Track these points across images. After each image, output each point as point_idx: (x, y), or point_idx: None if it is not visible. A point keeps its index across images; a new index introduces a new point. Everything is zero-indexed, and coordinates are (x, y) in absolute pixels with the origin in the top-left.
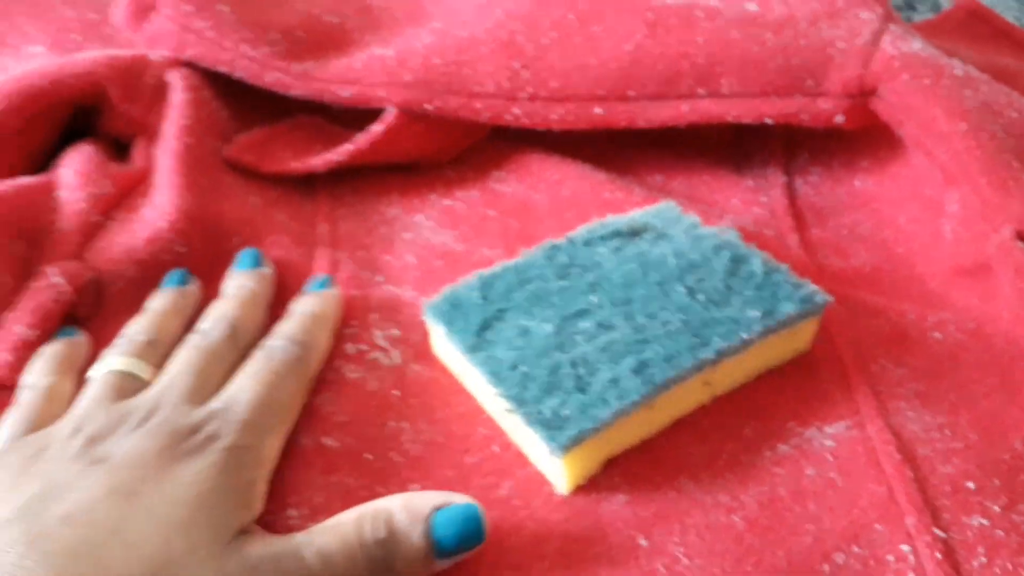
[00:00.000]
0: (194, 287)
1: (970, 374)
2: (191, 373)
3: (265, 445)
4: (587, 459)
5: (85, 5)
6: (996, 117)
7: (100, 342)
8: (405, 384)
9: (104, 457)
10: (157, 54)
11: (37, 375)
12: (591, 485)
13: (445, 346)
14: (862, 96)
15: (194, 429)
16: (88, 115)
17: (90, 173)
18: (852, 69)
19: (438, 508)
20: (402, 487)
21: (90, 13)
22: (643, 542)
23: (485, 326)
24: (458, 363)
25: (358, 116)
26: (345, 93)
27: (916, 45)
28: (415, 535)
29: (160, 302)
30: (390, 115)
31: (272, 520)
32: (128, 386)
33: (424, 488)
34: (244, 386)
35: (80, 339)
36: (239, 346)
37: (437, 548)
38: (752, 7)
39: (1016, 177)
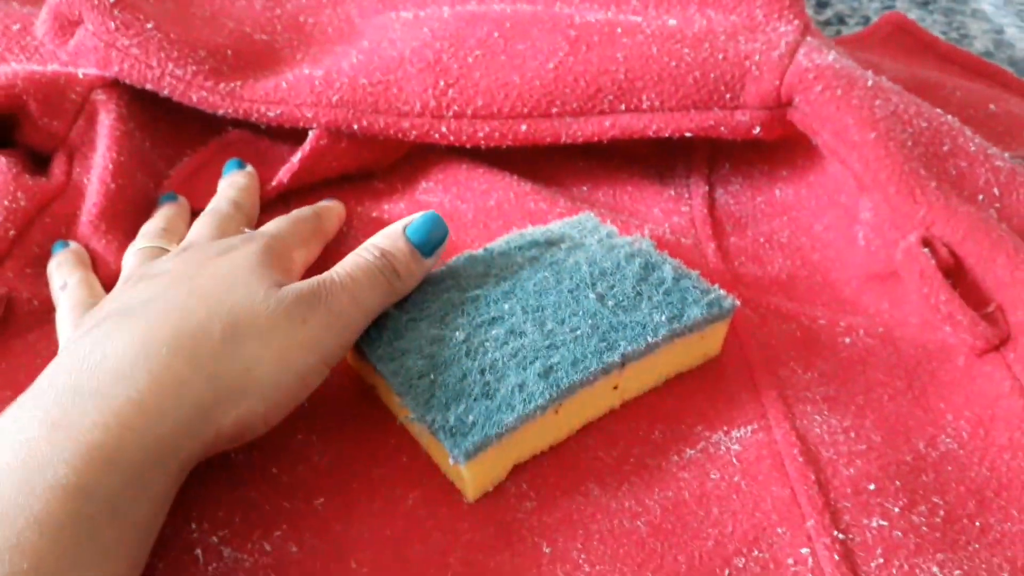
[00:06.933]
0: (185, 200)
1: (877, 377)
2: (211, 226)
3: (292, 253)
4: (492, 465)
5: (8, 15)
6: (905, 126)
7: (4, 359)
8: (318, 396)
9: (156, 273)
10: (83, 71)
11: (65, 275)
12: (498, 492)
13: (358, 356)
14: (778, 108)
15: (229, 244)
16: (4, 125)
17: (5, 185)
18: (768, 82)
19: (407, 225)
20: (307, 501)
21: (13, 23)
22: (546, 549)
23: (397, 336)
24: (370, 373)
25: (288, 129)
26: (272, 113)
27: (830, 57)
28: (400, 244)
29: (163, 209)
30: (315, 134)
31: (173, 534)
32: (159, 255)
33: (329, 502)
34: (266, 225)
35: (76, 245)
36: (244, 214)
37: (418, 246)
38: (672, 22)
39: (923, 185)
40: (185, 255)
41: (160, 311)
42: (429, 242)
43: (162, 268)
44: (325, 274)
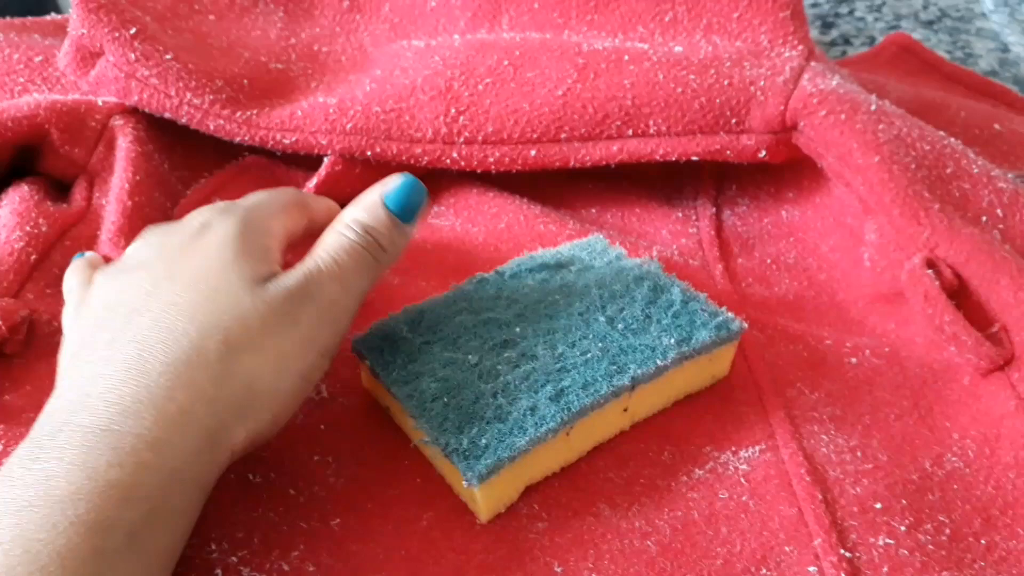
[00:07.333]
0: None
1: (883, 397)
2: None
3: (270, 223)
4: (505, 487)
5: (30, 47)
6: (908, 150)
7: (29, 381)
8: (333, 418)
9: (134, 265)
10: (103, 99)
11: (77, 278)
12: (510, 513)
13: (373, 379)
14: (784, 132)
15: (204, 222)
16: (28, 154)
17: (27, 212)
18: (773, 106)
19: (384, 194)
20: (324, 521)
21: (36, 56)
22: (558, 569)
23: (411, 359)
24: (385, 396)
25: (303, 155)
26: (288, 140)
27: (834, 82)
28: (380, 215)
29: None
30: (330, 160)
31: (192, 555)
32: None
33: (345, 523)
34: (244, 197)
35: (92, 253)
36: None
37: (399, 214)
38: (678, 49)
39: (927, 207)
40: (158, 241)
41: (147, 329)
42: (409, 208)
43: (139, 259)
44: (309, 262)
